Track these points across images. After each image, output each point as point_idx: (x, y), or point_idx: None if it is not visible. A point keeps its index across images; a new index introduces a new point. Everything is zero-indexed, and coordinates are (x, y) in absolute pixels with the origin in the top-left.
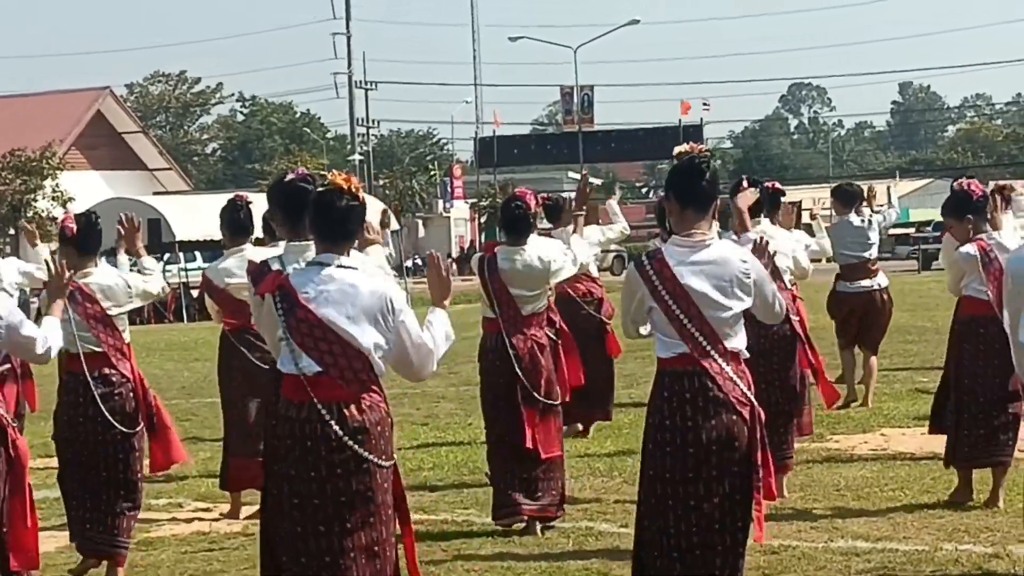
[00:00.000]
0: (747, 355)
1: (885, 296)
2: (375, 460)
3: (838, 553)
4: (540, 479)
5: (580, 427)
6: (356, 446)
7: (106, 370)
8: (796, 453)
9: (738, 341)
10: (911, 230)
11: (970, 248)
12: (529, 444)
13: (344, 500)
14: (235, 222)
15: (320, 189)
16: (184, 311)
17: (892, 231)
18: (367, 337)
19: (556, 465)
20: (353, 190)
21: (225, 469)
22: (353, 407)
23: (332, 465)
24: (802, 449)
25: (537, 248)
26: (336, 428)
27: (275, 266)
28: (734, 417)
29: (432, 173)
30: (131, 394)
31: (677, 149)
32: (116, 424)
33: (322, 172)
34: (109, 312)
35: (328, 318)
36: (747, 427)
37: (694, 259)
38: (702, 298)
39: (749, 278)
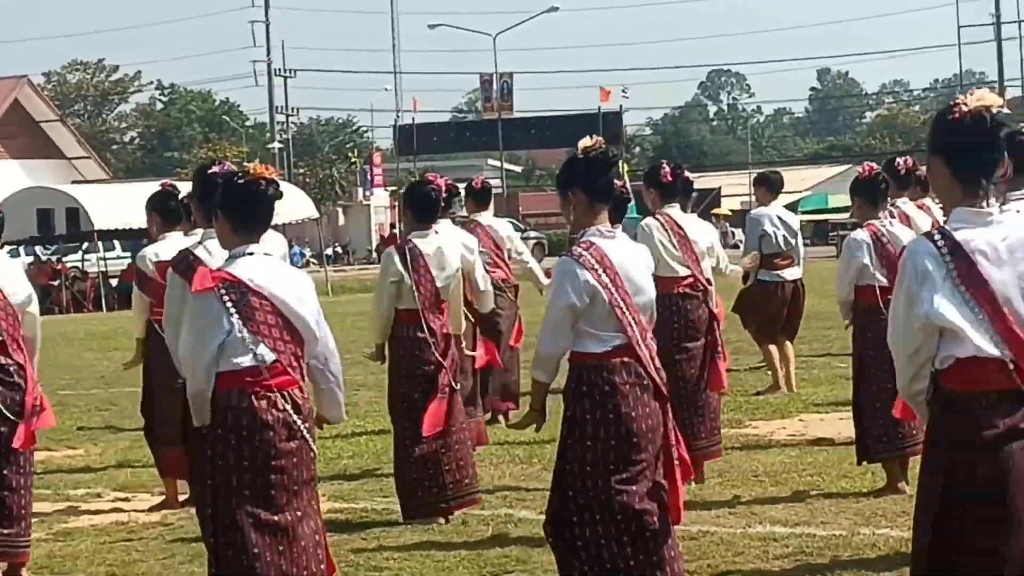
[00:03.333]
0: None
1: (803, 286)
2: (314, 448)
3: (756, 538)
4: (455, 468)
5: (500, 416)
6: (307, 434)
7: (3, 360)
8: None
9: (651, 330)
10: (830, 216)
11: (859, 234)
12: (427, 432)
13: (296, 488)
14: (167, 209)
15: (242, 180)
16: (103, 300)
17: (810, 218)
18: (314, 321)
19: (468, 452)
20: (275, 178)
21: (159, 458)
22: (299, 394)
23: (288, 453)
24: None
25: (445, 232)
26: (293, 416)
27: (202, 255)
28: (658, 402)
29: (352, 161)
30: (25, 386)
31: (582, 143)
32: (10, 416)
33: (240, 162)
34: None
35: (282, 304)
36: (665, 412)
37: (614, 249)
38: (632, 287)
39: (651, 268)
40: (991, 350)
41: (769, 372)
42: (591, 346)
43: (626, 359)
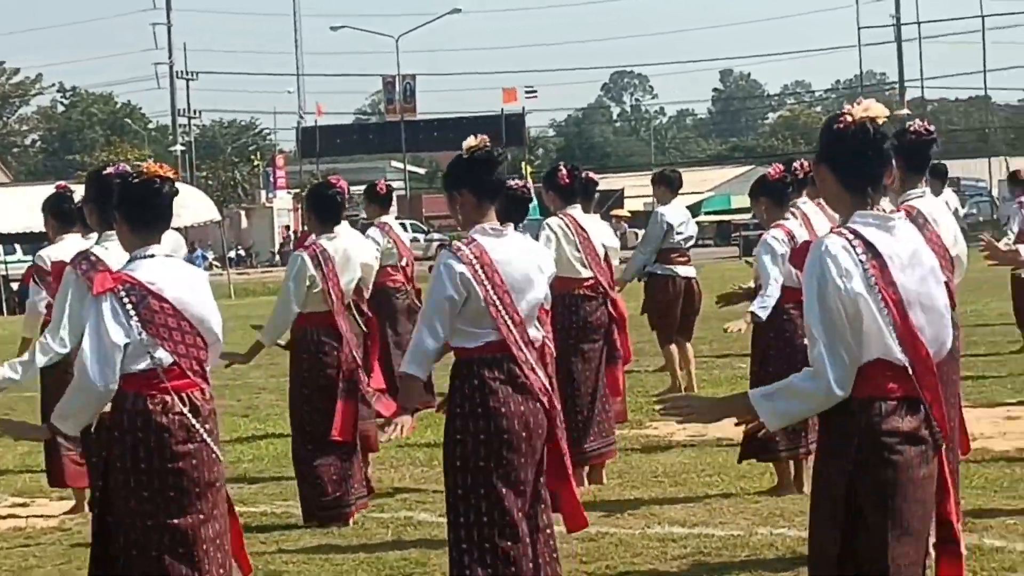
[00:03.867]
0: (543, 342)
1: (698, 285)
2: (218, 452)
3: (654, 539)
4: (355, 471)
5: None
6: (207, 437)
7: None
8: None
9: (538, 330)
10: (732, 217)
11: (778, 234)
12: (340, 436)
13: (198, 491)
14: (62, 212)
15: (137, 180)
16: (4, 304)
17: (713, 219)
18: (216, 322)
19: (355, 453)
20: (172, 177)
21: (58, 467)
22: (200, 397)
23: (187, 456)
24: (621, 436)
25: (347, 235)
26: (191, 419)
27: (101, 255)
28: (537, 404)
29: (255, 163)
30: None
31: (467, 143)
32: None
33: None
34: None
35: (182, 306)
36: (548, 415)
37: (500, 247)
38: (515, 286)
39: (546, 269)
40: (896, 355)
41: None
42: (465, 342)
43: (498, 355)
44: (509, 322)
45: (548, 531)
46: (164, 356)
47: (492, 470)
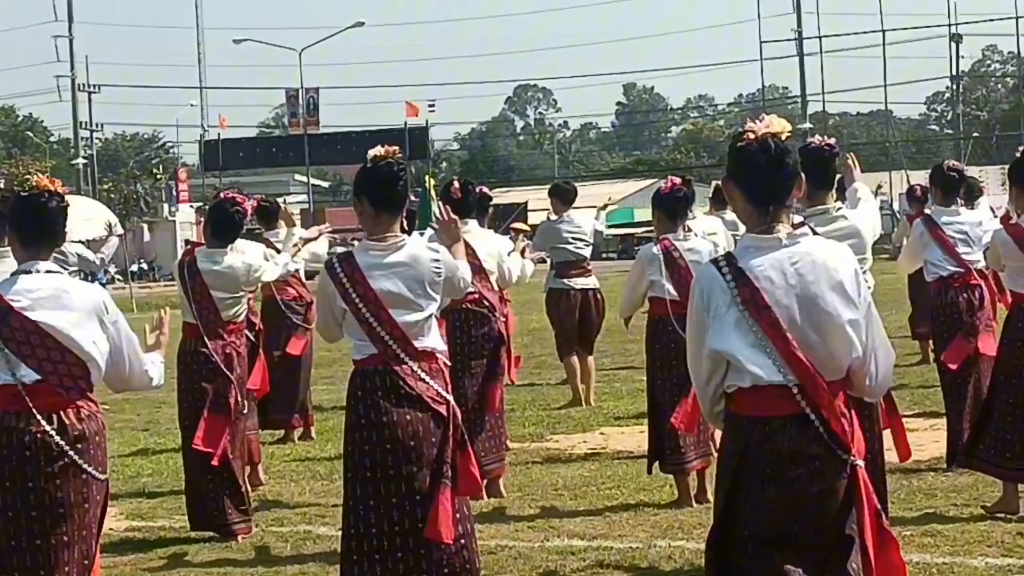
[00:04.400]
0: (443, 352)
1: (599, 296)
2: (92, 471)
3: (554, 552)
4: (236, 487)
5: (295, 435)
6: (76, 456)
7: None
8: (516, 453)
9: (431, 340)
10: (636, 230)
11: (651, 248)
12: (203, 446)
13: (61, 511)
14: None
15: (25, 193)
16: None
17: (617, 232)
18: (88, 341)
19: (240, 472)
20: (60, 191)
21: None
22: (72, 415)
23: (51, 476)
24: (521, 449)
25: (241, 251)
26: (56, 437)
27: None
28: (428, 414)
29: (157, 177)
30: None
31: (371, 153)
32: None
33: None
34: None
35: (47, 324)
36: (441, 424)
37: (388, 261)
38: (394, 300)
39: (440, 276)
40: (773, 377)
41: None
42: (355, 353)
43: (380, 367)
44: (388, 337)
45: (463, 541)
46: (28, 373)
47: (380, 480)
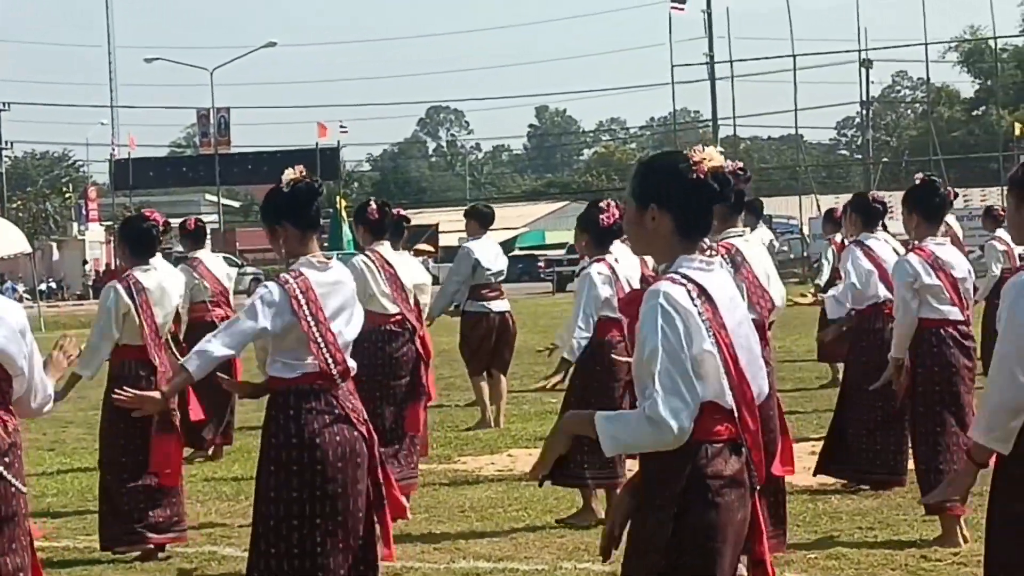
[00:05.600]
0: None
1: (511, 319)
2: (19, 485)
3: (459, 574)
4: (166, 505)
5: (209, 452)
6: (3, 470)
7: None
8: (423, 474)
9: (351, 360)
10: (546, 252)
11: (599, 267)
12: (156, 469)
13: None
14: None
15: None
16: None
17: (527, 253)
18: (21, 357)
19: (178, 490)
20: None
21: None
22: (0, 429)
23: None
24: (429, 471)
25: (162, 268)
26: None
27: None
28: (356, 434)
29: (67, 195)
30: None
31: (287, 176)
32: None
33: None
34: None
35: None
36: (367, 443)
37: (327, 280)
38: (335, 319)
39: (356, 299)
40: (726, 398)
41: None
42: (283, 372)
43: (315, 385)
44: (328, 356)
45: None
46: None
47: (305, 501)
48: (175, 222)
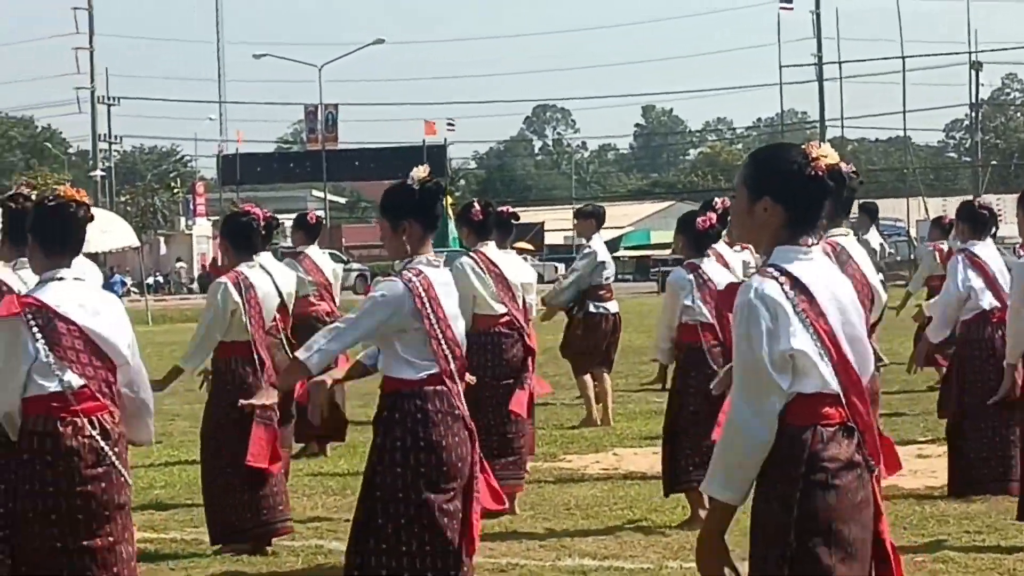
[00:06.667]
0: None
1: (619, 318)
2: (126, 475)
3: (565, 571)
4: (269, 498)
5: (316, 447)
6: (116, 460)
7: None
8: (529, 472)
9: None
10: (652, 252)
11: (682, 272)
12: (259, 463)
13: (107, 514)
14: None
15: (53, 203)
16: None
17: (633, 253)
18: (124, 346)
19: (280, 482)
20: (87, 202)
21: None
22: (109, 419)
23: (96, 479)
24: (534, 468)
25: (268, 263)
26: (100, 442)
27: (8, 280)
28: (467, 433)
29: (175, 190)
30: None
31: (418, 175)
32: None
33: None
34: None
35: (89, 329)
36: (472, 442)
37: (441, 279)
38: (453, 318)
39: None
40: (832, 385)
41: (584, 406)
42: (405, 372)
43: (438, 387)
44: (449, 355)
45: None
46: (73, 379)
47: (434, 503)
48: (283, 218)
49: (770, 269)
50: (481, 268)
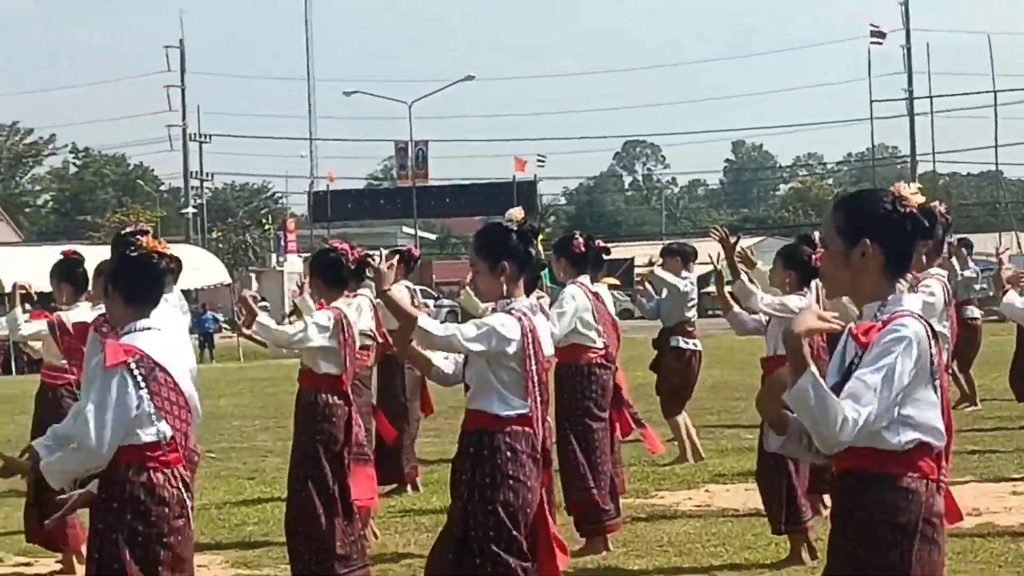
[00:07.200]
0: None
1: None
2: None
3: None
4: (352, 537)
5: (407, 485)
6: (190, 503)
7: None
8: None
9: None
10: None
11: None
12: (366, 499)
13: (181, 566)
14: (75, 277)
15: (135, 254)
16: (13, 363)
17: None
18: (196, 396)
19: (360, 521)
20: (167, 252)
21: (61, 529)
22: (186, 472)
23: (179, 530)
24: (626, 505)
25: (360, 300)
26: (184, 493)
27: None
28: (544, 478)
29: (266, 227)
30: None
31: (516, 216)
32: None
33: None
34: None
35: (179, 380)
36: (546, 487)
37: (539, 323)
38: (546, 362)
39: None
40: (939, 441)
41: (676, 443)
42: (500, 407)
43: (527, 429)
44: (537, 397)
45: None
46: (166, 429)
47: (521, 541)
48: (374, 254)
49: (915, 312)
50: (589, 299)
